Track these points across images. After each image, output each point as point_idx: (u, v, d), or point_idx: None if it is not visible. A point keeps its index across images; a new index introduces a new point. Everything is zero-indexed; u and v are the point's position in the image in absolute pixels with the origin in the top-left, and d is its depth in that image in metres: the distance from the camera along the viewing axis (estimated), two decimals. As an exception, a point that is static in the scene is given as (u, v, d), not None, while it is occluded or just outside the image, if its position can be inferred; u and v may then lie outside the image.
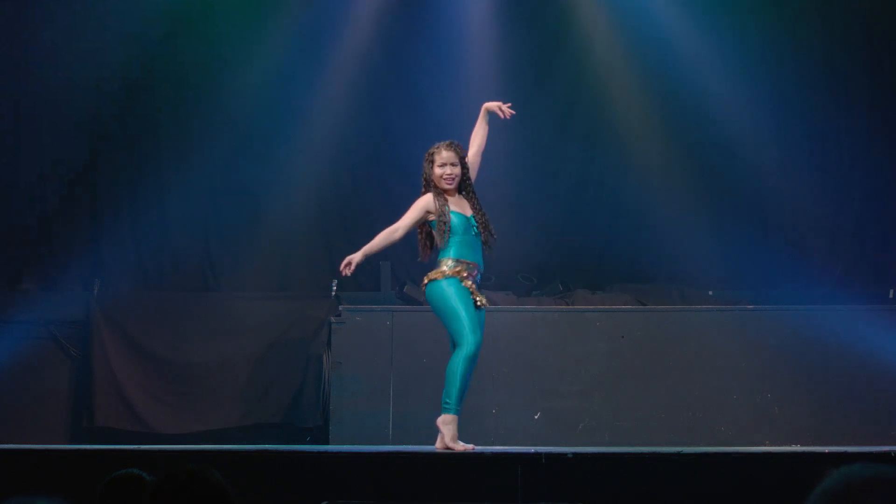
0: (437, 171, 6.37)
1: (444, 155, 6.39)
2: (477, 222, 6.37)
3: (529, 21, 9.61)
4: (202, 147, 9.36)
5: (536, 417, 8.08)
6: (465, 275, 6.28)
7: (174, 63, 9.44)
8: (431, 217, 6.37)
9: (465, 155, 6.49)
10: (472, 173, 6.53)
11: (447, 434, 6.17)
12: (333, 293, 9.04)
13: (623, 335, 8.29)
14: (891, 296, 8.86)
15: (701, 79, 9.38)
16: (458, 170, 6.40)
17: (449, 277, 6.26)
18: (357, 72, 9.52)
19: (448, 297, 6.24)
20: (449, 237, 6.30)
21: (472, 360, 6.22)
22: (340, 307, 8.60)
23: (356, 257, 6.37)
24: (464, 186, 6.46)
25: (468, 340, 6.17)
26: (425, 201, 6.38)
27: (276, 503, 5.47)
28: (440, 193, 6.38)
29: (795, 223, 9.31)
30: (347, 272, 6.38)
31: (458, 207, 6.39)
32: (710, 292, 9.09)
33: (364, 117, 9.53)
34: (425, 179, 6.44)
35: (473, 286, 6.31)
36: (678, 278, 9.28)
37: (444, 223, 6.29)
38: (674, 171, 9.43)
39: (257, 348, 8.96)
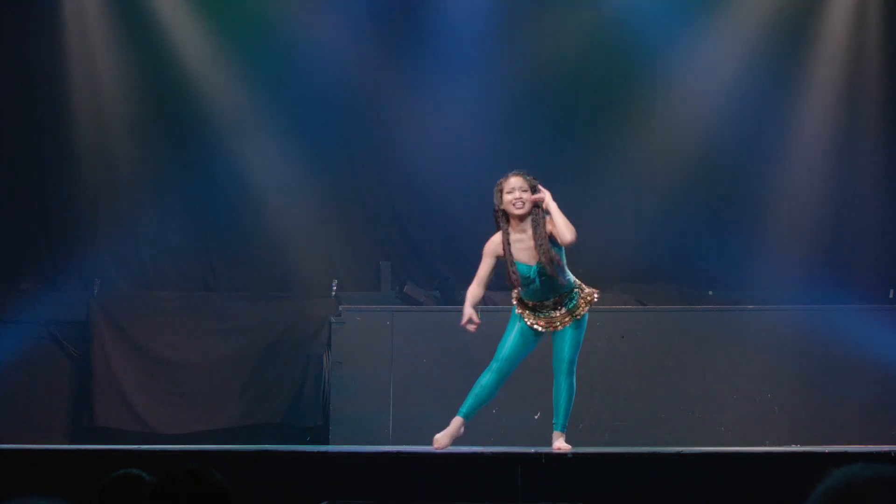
0: (507, 197, 6.41)
1: (511, 182, 6.44)
2: (539, 265, 6.39)
3: (530, 21, 9.60)
4: (202, 147, 9.35)
5: (536, 417, 8.06)
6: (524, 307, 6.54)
7: (174, 63, 9.43)
8: (501, 257, 6.46)
9: (537, 183, 6.50)
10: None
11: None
12: (333, 293, 9.04)
13: (623, 335, 8.28)
14: (891, 296, 8.86)
15: (701, 79, 9.38)
16: (527, 195, 6.42)
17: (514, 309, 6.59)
18: (357, 72, 9.52)
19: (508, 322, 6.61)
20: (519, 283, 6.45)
21: (483, 372, 6.54)
22: (340, 307, 8.60)
23: (470, 311, 6.46)
24: (534, 211, 6.45)
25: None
26: (493, 246, 6.47)
27: (276, 503, 5.47)
28: (506, 231, 6.42)
29: (795, 223, 9.30)
30: (472, 328, 6.48)
31: (524, 251, 6.42)
32: (710, 292, 9.09)
33: (364, 117, 9.52)
34: (495, 211, 6.48)
35: (532, 315, 6.50)
36: (678, 278, 9.28)
37: (512, 278, 6.39)
38: (674, 171, 9.43)
39: (257, 348, 8.96)
